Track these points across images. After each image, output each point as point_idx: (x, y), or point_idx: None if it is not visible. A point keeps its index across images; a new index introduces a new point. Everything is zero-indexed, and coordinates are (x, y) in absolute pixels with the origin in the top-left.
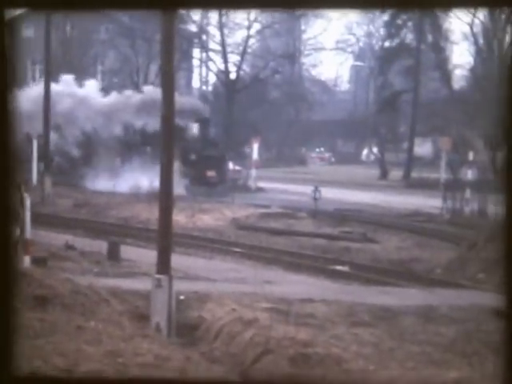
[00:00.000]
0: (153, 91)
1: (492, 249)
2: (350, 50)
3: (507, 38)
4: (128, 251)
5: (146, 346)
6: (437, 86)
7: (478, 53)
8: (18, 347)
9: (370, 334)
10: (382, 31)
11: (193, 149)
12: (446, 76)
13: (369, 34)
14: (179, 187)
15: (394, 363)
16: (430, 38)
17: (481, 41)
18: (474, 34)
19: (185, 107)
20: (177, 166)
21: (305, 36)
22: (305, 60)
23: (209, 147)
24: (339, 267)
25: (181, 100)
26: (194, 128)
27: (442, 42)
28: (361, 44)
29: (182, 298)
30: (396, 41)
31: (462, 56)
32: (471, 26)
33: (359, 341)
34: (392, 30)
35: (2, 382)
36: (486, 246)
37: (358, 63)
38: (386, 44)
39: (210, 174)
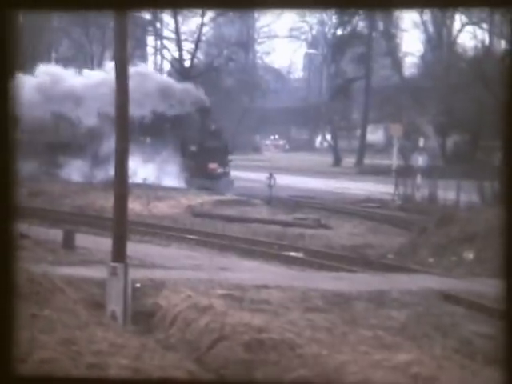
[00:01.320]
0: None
1: (442, 234)
2: (303, 37)
3: (455, 26)
4: (83, 239)
5: (100, 333)
6: (388, 73)
7: (428, 40)
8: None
9: (323, 319)
10: (335, 19)
11: (193, 140)
12: (397, 63)
13: (321, 22)
14: (179, 180)
15: (346, 348)
16: (381, 25)
17: (430, 29)
18: (423, 22)
19: (183, 95)
20: (176, 158)
21: (258, 24)
22: (258, 48)
23: (210, 138)
24: (293, 253)
25: (178, 87)
26: (195, 117)
27: (393, 29)
28: (314, 32)
29: (137, 285)
30: (348, 28)
31: (412, 43)
32: (421, 14)
33: (313, 326)
34: (344, 17)
35: (2, 382)
36: (435, 231)
37: (311, 51)
38: (339, 32)
39: (212, 166)
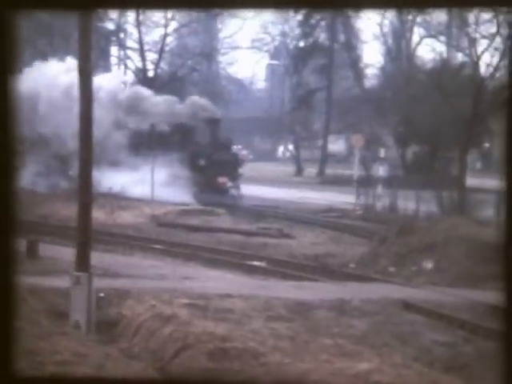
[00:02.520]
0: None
1: (402, 243)
2: (265, 48)
3: (414, 38)
4: (47, 249)
5: (64, 343)
6: (349, 84)
7: (388, 52)
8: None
9: (286, 327)
10: (297, 31)
11: (202, 153)
12: (358, 74)
13: (283, 34)
14: (187, 195)
15: (308, 356)
16: (342, 37)
17: (390, 41)
18: (383, 34)
19: (193, 107)
20: (184, 171)
21: (221, 35)
22: (221, 58)
23: (220, 151)
24: (256, 263)
25: (188, 100)
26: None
27: (354, 41)
28: (276, 43)
29: (101, 295)
30: (310, 40)
31: (373, 55)
32: (381, 26)
33: (276, 335)
34: (306, 29)
35: (2, 382)
36: (396, 240)
37: (274, 62)
38: (301, 43)
39: (222, 180)
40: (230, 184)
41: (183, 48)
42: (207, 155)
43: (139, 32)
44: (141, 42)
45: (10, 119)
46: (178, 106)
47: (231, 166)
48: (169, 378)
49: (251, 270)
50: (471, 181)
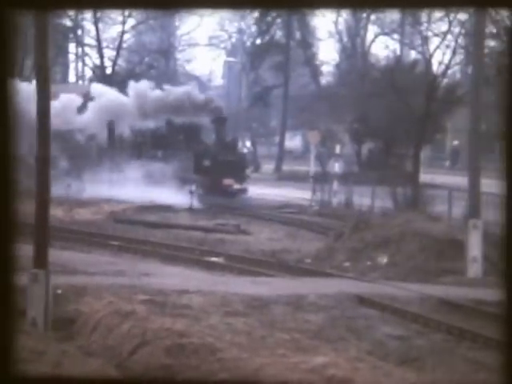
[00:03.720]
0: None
1: (357, 239)
2: (222, 45)
3: (369, 36)
4: None
5: (20, 341)
6: (306, 81)
7: (343, 50)
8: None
9: (242, 323)
10: (253, 28)
11: (207, 153)
12: (314, 72)
13: (240, 31)
14: (191, 198)
15: (265, 351)
16: (298, 34)
17: (345, 38)
18: (338, 32)
19: (198, 103)
20: (185, 173)
21: (179, 32)
22: (179, 55)
23: (226, 151)
24: (214, 259)
25: (195, 95)
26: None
27: (310, 38)
28: (233, 40)
29: (59, 291)
30: (266, 37)
31: (328, 53)
32: (336, 23)
33: (233, 330)
34: (262, 26)
35: (2, 382)
36: (351, 236)
37: (231, 59)
38: (257, 40)
39: (228, 182)
40: (236, 186)
41: (141, 45)
42: (212, 155)
43: (97, 29)
44: (98, 39)
45: (9, 121)
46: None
47: (238, 167)
48: (169, 378)
49: (209, 266)
50: (425, 177)
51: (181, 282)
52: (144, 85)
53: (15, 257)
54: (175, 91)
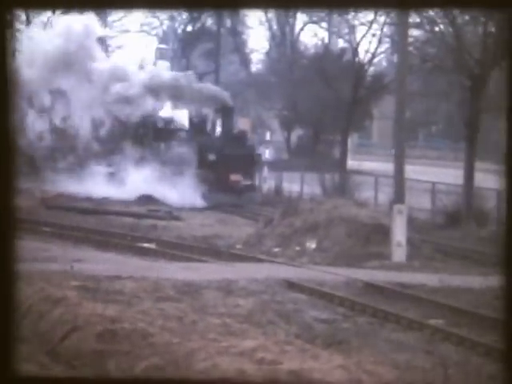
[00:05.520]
0: None
1: (286, 224)
2: (154, 32)
3: (298, 24)
4: None
5: None
6: (236, 68)
7: (273, 38)
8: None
9: (174, 308)
10: (184, 15)
11: (212, 146)
12: (244, 59)
13: (172, 18)
14: (194, 196)
15: (196, 335)
16: (228, 22)
17: (274, 26)
18: (268, 20)
19: (203, 94)
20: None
21: (110, 18)
22: (110, 42)
23: (233, 144)
24: (146, 244)
25: (198, 86)
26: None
27: (240, 26)
28: (164, 27)
29: None
30: (197, 25)
31: (258, 40)
32: (265, 11)
33: (164, 315)
34: (193, 14)
35: (2, 382)
36: (281, 221)
37: (162, 46)
38: (188, 28)
39: (235, 178)
40: (244, 182)
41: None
42: (218, 149)
43: (26, 14)
44: (29, 23)
45: (9, 119)
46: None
47: (246, 162)
48: (169, 378)
49: (141, 252)
50: (353, 163)
51: (113, 267)
52: None
53: (15, 258)
54: None
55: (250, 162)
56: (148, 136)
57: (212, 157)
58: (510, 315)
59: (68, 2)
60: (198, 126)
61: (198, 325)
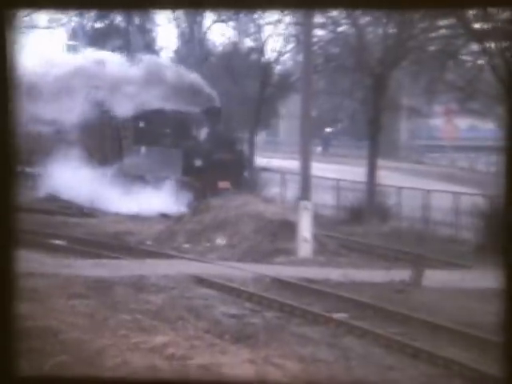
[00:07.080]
0: None
1: (197, 221)
2: (63, 29)
3: (206, 23)
4: None
5: None
6: None
7: (181, 35)
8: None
9: (85, 305)
10: (93, 12)
11: (199, 151)
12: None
13: (80, 14)
14: (177, 204)
15: (107, 332)
16: (137, 20)
17: (183, 24)
18: (176, 18)
19: (184, 86)
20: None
21: (19, 14)
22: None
23: (221, 148)
24: (57, 241)
25: (180, 77)
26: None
27: (148, 24)
28: (73, 24)
29: None
30: (105, 22)
31: (167, 38)
32: (174, 10)
33: (75, 312)
34: (102, 11)
35: (3, 382)
36: (191, 218)
37: (71, 42)
38: (97, 25)
39: (223, 185)
40: (233, 190)
41: None
42: (205, 154)
43: None
44: None
45: (10, 121)
46: None
47: (235, 168)
48: (169, 378)
49: (52, 249)
50: (261, 160)
51: (25, 264)
52: None
53: (15, 260)
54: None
55: (239, 168)
56: (127, 137)
57: (198, 162)
58: (510, 315)
59: (68, 2)
60: (182, 128)
61: (108, 321)
